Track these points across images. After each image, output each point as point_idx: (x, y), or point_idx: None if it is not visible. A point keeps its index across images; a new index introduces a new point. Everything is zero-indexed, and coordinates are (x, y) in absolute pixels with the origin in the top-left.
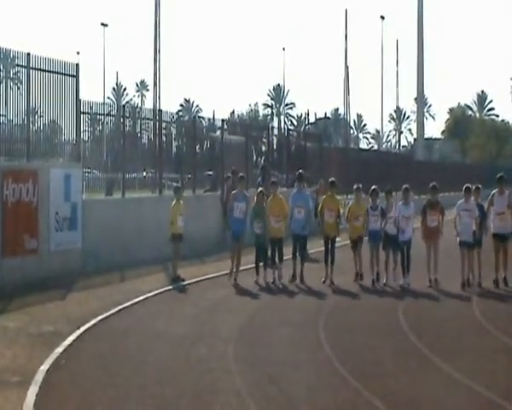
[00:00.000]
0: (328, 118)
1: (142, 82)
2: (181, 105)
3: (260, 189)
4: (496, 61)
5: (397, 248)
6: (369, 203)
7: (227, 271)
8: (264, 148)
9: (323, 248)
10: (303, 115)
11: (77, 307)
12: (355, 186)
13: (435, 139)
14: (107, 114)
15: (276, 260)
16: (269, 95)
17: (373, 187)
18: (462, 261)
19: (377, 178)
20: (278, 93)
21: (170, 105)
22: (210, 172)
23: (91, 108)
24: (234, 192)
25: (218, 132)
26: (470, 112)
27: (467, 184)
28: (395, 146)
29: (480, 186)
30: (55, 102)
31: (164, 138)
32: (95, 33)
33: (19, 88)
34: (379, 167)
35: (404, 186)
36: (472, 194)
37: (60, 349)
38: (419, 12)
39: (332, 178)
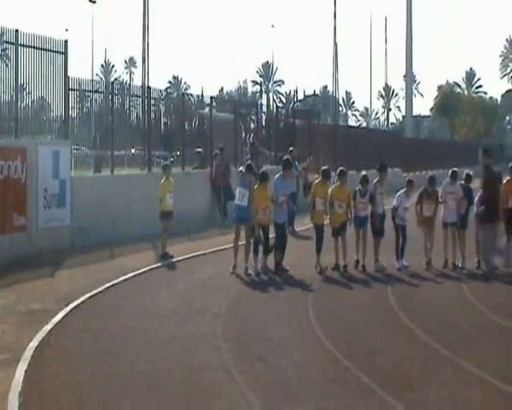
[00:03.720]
0: (317, 95)
1: (131, 59)
2: (169, 82)
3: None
4: (484, 38)
5: (381, 233)
6: (358, 187)
7: (215, 248)
8: (252, 125)
9: (315, 237)
10: (292, 92)
11: (65, 285)
12: (339, 169)
13: (424, 117)
14: (96, 91)
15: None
16: (258, 72)
17: (363, 173)
18: (444, 242)
19: (366, 156)
20: (267, 70)
21: (158, 82)
22: (199, 150)
23: (80, 85)
24: (241, 173)
25: (207, 109)
26: (459, 89)
27: (454, 169)
28: (384, 123)
29: (470, 174)
30: (44, 79)
31: (152, 115)
32: (83, 10)
33: (7, 65)
34: (367, 145)
35: (408, 179)
36: (458, 178)
37: (49, 327)
38: None
39: (325, 167)
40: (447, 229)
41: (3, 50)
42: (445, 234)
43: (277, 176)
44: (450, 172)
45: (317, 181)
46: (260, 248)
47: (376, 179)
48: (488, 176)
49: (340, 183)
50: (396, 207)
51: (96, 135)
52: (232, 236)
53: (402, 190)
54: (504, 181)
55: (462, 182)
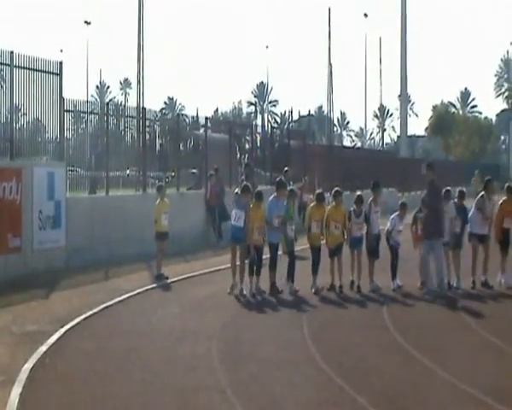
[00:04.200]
0: (312, 115)
1: (126, 80)
2: (164, 103)
3: (293, 187)
4: (479, 58)
5: (376, 254)
6: (353, 207)
7: (210, 269)
8: (247, 145)
9: (311, 258)
10: (286, 113)
11: (60, 306)
12: (334, 189)
13: (419, 136)
14: (91, 113)
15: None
16: (252, 92)
17: (358, 193)
18: None
19: (361, 176)
20: (262, 91)
21: (153, 103)
22: (194, 170)
23: (75, 106)
24: (236, 194)
25: (202, 130)
26: (453, 109)
27: (447, 188)
28: (379, 143)
29: (464, 190)
30: (39, 101)
31: (147, 136)
32: (78, 31)
33: (2, 86)
34: (362, 165)
35: (402, 201)
36: (451, 197)
37: (43, 348)
38: (402, 9)
39: (319, 190)
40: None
41: None
42: None
43: (271, 197)
44: (443, 191)
45: (312, 204)
46: (254, 268)
47: (371, 198)
48: (433, 192)
49: (336, 203)
50: (390, 231)
51: (91, 156)
52: (227, 256)
53: (395, 213)
54: (501, 201)
55: (456, 200)
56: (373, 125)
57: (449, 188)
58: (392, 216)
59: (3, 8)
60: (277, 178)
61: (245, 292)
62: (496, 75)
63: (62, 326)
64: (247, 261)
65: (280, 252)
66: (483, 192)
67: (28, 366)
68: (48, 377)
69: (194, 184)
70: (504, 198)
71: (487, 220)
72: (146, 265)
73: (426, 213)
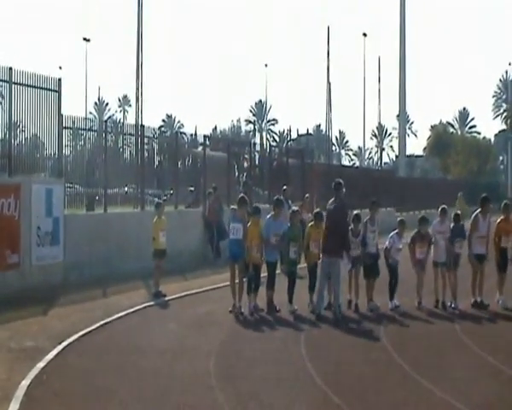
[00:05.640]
0: (311, 134)
1: (125, 97)
2: (163, 120)
3: (295, 208)
4: (478, 78)
5: (376, 272)
6: (350, 226)
7: (208, 287)
8: (245, 164)
9: (308, 276)
10: (285, 131)
11: (58, 322)
12: None
13: (417, 156)
14: (90, 129)
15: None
16: (251, 111)
17: (355, 212)
18: (435, 281)
19: (359, 195)
20: (260, 109)
21: (152, 120)
22: (192, 188)
23: (73, 123)
24: (233, 210)
25: (200, 148)
26: (452, 129)
27: (443, 206)
28: (377, 163)
29: (459, 213)
30: (38, 117)
31: (146, 154)
32: (77, 48)
33: (0, 103)
34: (361, 184)
35: (400, 219)
36: (447, 215)
37: (41, 365)
38: (401, 29)
39: (317, 209)
40: (437, 268)
41: None
42: (435, 274)
43: (269, 216)
44: (439, 209)
45: (310, 224)
46: (252, 286)
47: (367, 218)
48: (335, 210)
49: None
50: (389, 248)
51: (89, 173)
52: (225, 274)
53: (394, 231)
54: (498, 220)
55: (453, 223)
56: (371, 144)
57: (445, 206)
58: (392, 234)
59: (2, 24)
60: (275, 197)
61: (243, 310)
62: (494, 96)
63: (60, 343)
64: (245, 279)
65: (278, 271)
66: (478, 211)
67: (26, 382)
68: (45, 394)
69: (192, 202)
70: (501, 217)
71: (484, 239)
72: (144, 282)
73: (328, 230)
